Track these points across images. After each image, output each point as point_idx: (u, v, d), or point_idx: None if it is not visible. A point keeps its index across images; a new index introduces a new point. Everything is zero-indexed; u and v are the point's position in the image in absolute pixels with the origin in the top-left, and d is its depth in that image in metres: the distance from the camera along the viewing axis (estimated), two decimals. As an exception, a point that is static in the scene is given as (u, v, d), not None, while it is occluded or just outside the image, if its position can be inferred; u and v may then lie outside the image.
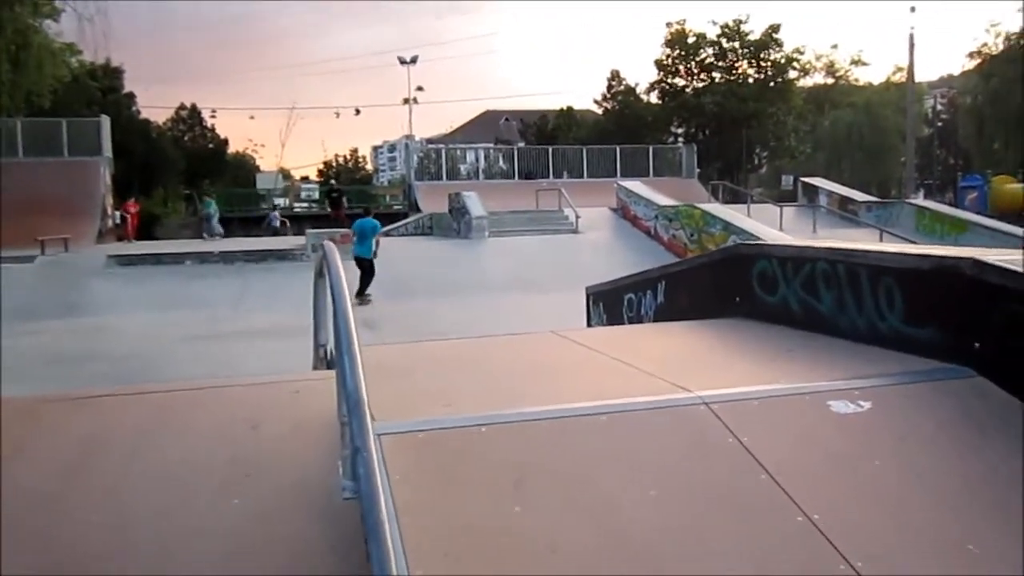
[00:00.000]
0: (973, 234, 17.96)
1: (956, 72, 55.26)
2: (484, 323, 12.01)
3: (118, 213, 26.76)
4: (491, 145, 40.99)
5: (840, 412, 3.12)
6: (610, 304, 7.64)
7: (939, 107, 55.99)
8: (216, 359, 10.93)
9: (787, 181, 40.15)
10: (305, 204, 53.87)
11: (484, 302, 14.56)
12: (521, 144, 42.39)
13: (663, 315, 6.33)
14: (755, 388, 3.25)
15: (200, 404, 3.55)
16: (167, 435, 3.24)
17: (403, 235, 24.78)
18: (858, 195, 24.31)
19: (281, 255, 18.10)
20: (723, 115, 39.87)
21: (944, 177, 47.65)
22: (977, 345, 3.42)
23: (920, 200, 24.94)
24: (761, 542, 2.46)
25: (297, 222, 34.89)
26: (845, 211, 22.55)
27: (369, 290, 16.27)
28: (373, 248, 16.56)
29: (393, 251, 19.96)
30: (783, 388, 3.26)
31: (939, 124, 55.46)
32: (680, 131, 43.82)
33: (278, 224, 32.81)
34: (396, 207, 39.28)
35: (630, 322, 7.10)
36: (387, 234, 24.54)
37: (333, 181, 32.29)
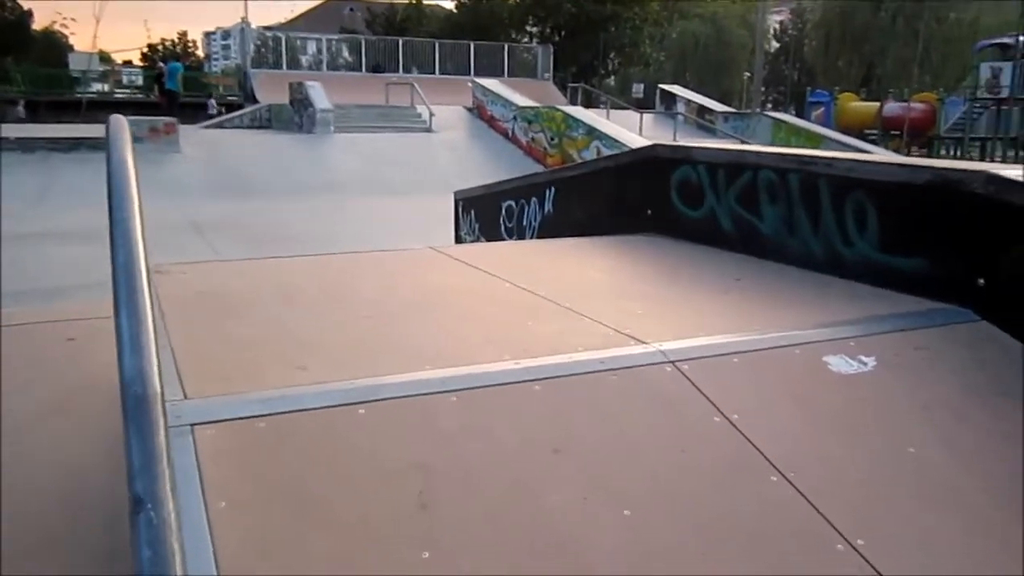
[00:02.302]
0: (828, 148, 18.10)
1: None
2: (336, 228, 10.74)
3: None
4: (336, 36, 38.15)
5: (842, 372, 2.34)
6: (484, 212, 6.66)
7: (786, 23, 57.35)
8: (9, 267, 9.16)
9: (637, 89, 39.83)
10: (128, 90, 48.99)
11: (334, 204, 13.15)
12: (369, 35, 39.71)
13: (552, 228, 5.43)
14: (729, 339, 2.41)
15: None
16: None
17: (238, 127, 22.48)
18: (716, 105, 24.11)
19: (94, 144, 15.71)
20: (580, 15, 38.79)
21: (788, 92, 49.08)
22: (981, 282, 2.72)
23: (778, 113, 25.15)
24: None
25: (118, 109, 31.28)
26: (703, 120, 22.35)
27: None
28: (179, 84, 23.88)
29: (227, 144, 17.97)
30: (764, 339, 2.43)
31: (785, 40, 56.89)
32: (535, 30, 42.45)
33: (215, 112, 29.24)
34: (231, 97, 36.08)
35: (508, 234, 6.16)
36: (220, 126, 22.28)
37: (162, 64, 28.92)
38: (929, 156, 27.46)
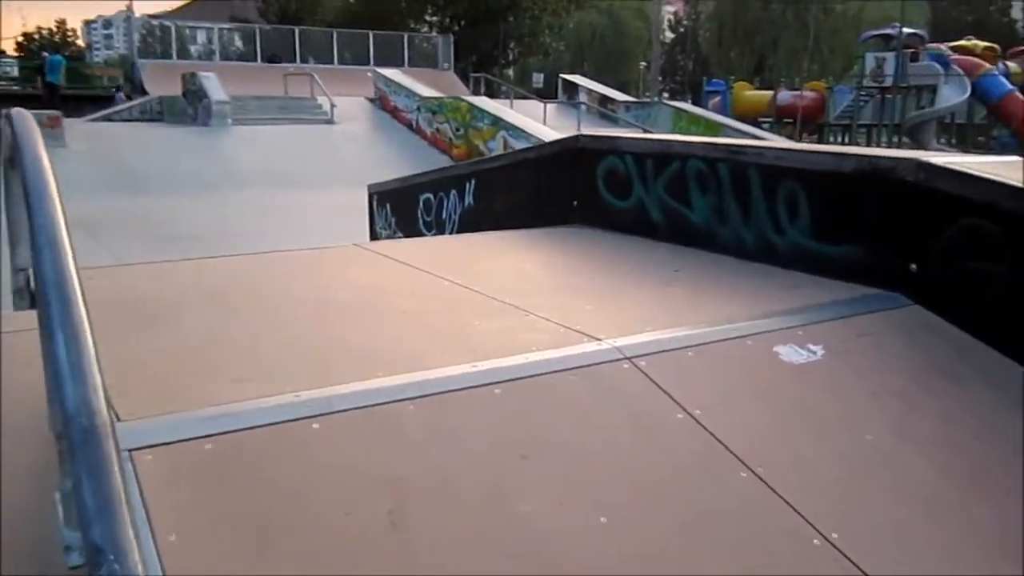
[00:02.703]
0: (726, 136, 18.55)
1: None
2: (240, 224, 10.34)
3: None
4: (227, 24, 36.84)
5: (793, 362, 2.34)
6: (401, 206, 6.50)
7: (680, 14, 58.75)
8: None
9: (537, 79, 40.00)
10: (2, 82, 46.22)
11: (236, 199, 12.66)
12: (263, 24, 38.49)
13: (473, 221, 5.33)
14: (681, 332, 2.38)
15: None
16: None
17: (127, 120, 21.44)
18: (617, 94, 24.43)
19: (-31, 139, 14.74)
20: (479, 5, 38.63)
21: (685, 82, 50.26)
22: (914, 267, 2.78)
23: (677, 102, 25.69)
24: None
25: (-7, 102, 29.32)
26: (605, 109, 22.58)
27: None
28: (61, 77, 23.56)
29: (118, 138, 17.11)
30: (715, 331, 2.41)
31: (680, 30, 58.27)
32: (435, 19, 42.04)
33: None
34: (116, 89, 34.43)
35: (427, 228, 6.04)
36: (108, 119, 21.19)
37: (46, 54, 27.47)
38: (820, 142, 28.56)
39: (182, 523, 1.43)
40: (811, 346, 2.41)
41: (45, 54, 28.30)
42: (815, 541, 1.69)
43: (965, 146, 27.60)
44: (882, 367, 2.39)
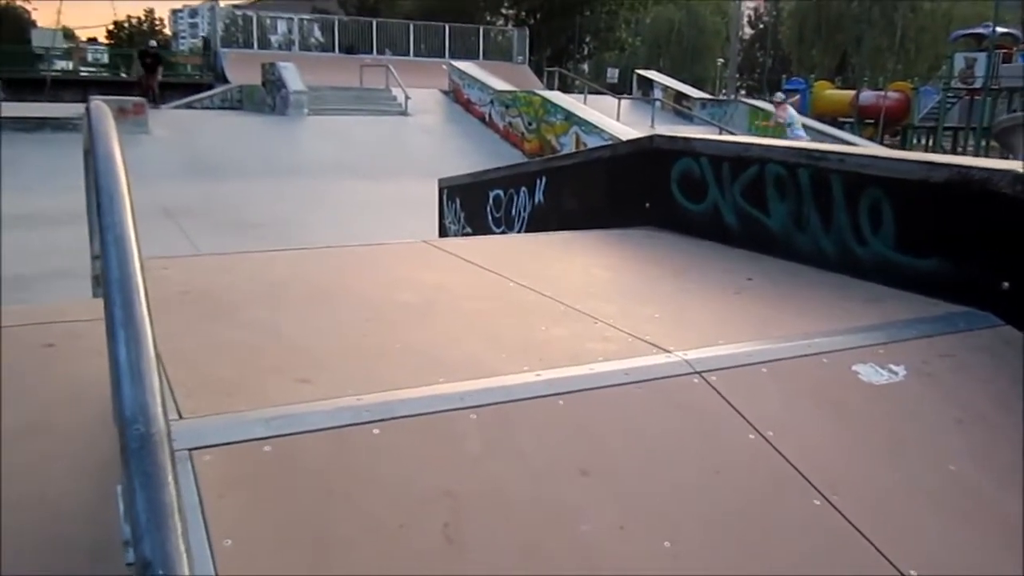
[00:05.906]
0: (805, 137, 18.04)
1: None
2: (314, 213, 10.48)
3: None
4: (307, 15, 37.47)
5: (873, 382, 2.22)
6: (470, 201, 6.49)
7: (760, 10, 57.54)
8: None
9: (612, 74, 39.69)
10: (93, 68, 47.95)
11: (308, 188, 12.86)
12: (341, 15, 39.06)
13: (542, 219, 5.28)
14: (754, 347, 2.28)
15: None
16: None
17: (208, 108, 22.00)
18: (693, 91, 24.05)
19: (59, 124, 15.32)
20: (556, -1, 38.68)
21: (763, 80, 49.23)
22: (1006, 285, 2.62)
23: (754, 100, 25.15)
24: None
25: (84, 87, 30.50)
26: (680, 106, 22.23)
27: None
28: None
29: (198, 126, 17.56)
30: (791, 347, 2.31)
31: (760, 27, 57.09)
32: (511, 12, 42.12)
33: None
34: (199, 77, 35.38)
35: (496, 224, 6.00)
36: (189, 106, 21.79)
37: (153, 43, 28.43)
38: (903, 145, 27.63)
39: (238, 528, 1.41)
40: (892, 366, 2.29)
41: (153, 43, 29.32)
42: (897, 580, 1.59)
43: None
44: (967, 391, 2.25)
